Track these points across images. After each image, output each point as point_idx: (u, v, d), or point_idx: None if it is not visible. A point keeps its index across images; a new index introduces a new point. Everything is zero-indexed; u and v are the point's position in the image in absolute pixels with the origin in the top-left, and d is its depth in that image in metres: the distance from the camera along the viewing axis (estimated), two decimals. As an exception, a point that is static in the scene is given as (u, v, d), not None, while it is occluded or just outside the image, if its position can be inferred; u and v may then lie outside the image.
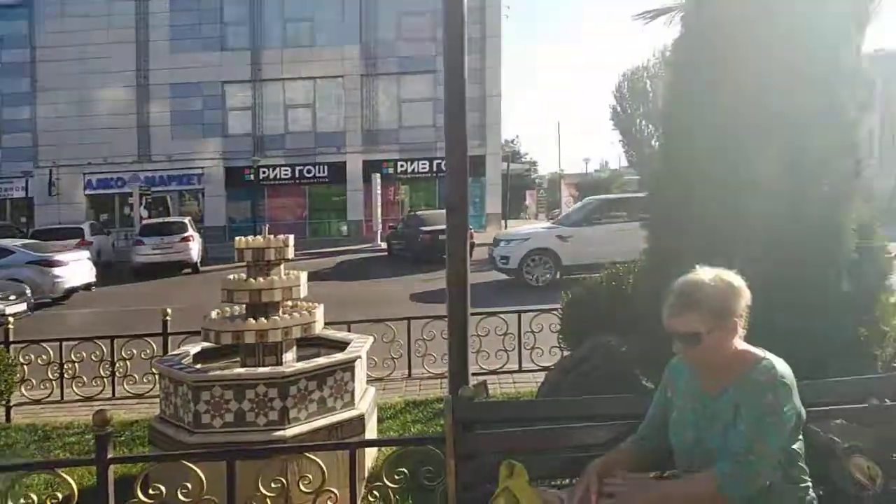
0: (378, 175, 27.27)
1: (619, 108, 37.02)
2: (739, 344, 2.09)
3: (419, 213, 21.79)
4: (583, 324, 5.22)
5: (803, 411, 2.06)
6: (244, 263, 4.37)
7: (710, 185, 3.66)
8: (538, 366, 5.79)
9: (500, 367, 5.89)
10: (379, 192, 26.76)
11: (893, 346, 3.60)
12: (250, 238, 4.39)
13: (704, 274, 2.10)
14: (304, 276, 4.41)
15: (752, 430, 1.97)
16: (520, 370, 5.84)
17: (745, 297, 2.08)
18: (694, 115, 3.88)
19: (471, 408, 2.73)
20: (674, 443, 2.21)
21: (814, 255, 3.29)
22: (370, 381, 5.46)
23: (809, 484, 2.10)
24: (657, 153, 4.31)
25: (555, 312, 5.77)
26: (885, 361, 3.41)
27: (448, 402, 2.67)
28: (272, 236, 4.40)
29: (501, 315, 5.93)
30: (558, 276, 13.58)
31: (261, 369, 4.13)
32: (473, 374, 5.57)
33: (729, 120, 3.64)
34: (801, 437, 2.08)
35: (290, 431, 3.94)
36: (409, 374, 6.38)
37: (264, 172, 29.36)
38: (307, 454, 3.04)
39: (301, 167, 30.12)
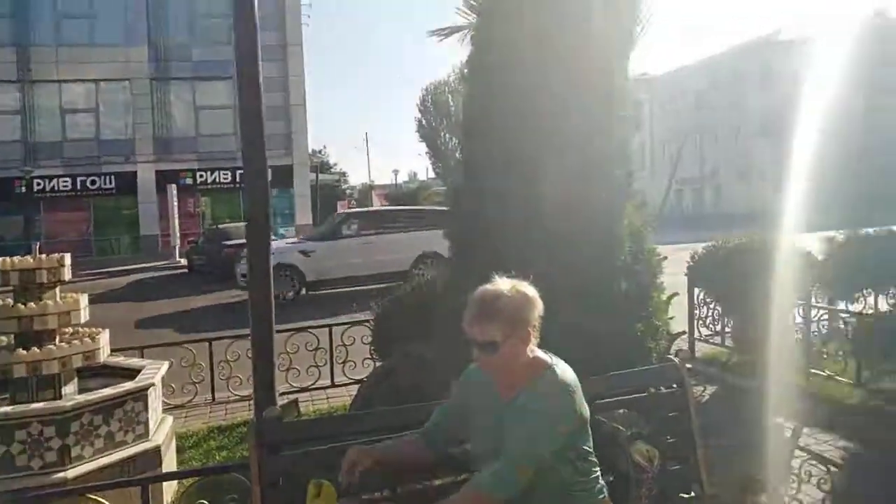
0: (174, 186, 25.34)
1: (424, 121, 38.28)
2: (532, 352, 2.17)
3: (221, 226, 20.72)
4: (394, 334, 5.27)
5: (587, 411, 2.17)
6: (10, 288, 3.86)
7: (502, 198, 3.87)
8: (352, 379, 5.73)
9: (313, 384, 5.75)
10: (176, 204, 24.91)
11: (666, 339, 4.03)
12: (17, 258, 3.87)
13: (502, 285, 2.15)
14: (84, 298, 3.97)
15: (526, 434, 2.05)
16: (333, 385, 5.74)
17: (539, 307, 2.16)
18: (486, 131, 4.08)
19: (277, 429, 2.62)
20: (473, 450, 2.25)
21: (594, 259, 3.59)
22: (168, 409, 5.06)
23: (598, 474, 2.24)
24: (458, 166, 4.48)
25: (366, 324, 5.76)
26: (660, 353, 3.79)
27: (252, 426, 2.55)
28: (44, 255, 3.92)
29: (311, 330, 5.79)
30: (303, 291, 13.42)
31: (34, 405, 3.66)
32: (283, 394, 5.39)
33: (517, 135, 3.87)
34: (588, 433, 2.20)
35: (72, 472, 3.55)
36: (214, 399, 6.01)
37: (39, 184, 26.31)
38: (91, 496, 2.73)
39: (83, 178, 27.40)
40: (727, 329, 6.58)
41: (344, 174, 61.24)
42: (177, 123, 28.58)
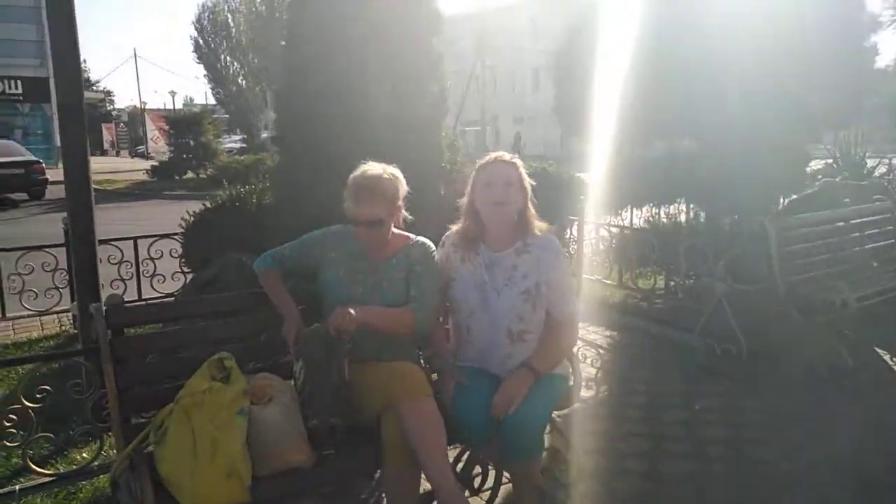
0: None
1: (201, 42, 35.53)
2: (395, 226, 2.57)
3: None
4: (207, 245, 5.23)
5: None
6: None
7: (331, 102, 4.08)
8: (161, 293, 5.57)
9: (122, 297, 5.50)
10: None
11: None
12: None
13: (377, 168, 2.48)
14: None
15: (431, 282, 2.51)
16: (140, 299, 5.53)
17: (405, 185, 2.54)
18: (312, 41, 4.20)
19: (121, 312, 2.66)
20: (339, 295, 2.52)
21: (418, 162, 3.95)
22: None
23: None
24: (285, 91, 4.50)
25: (175, 237, 5.60)
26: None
27: (98, 308, 2.56)
28: None
29: (115, 242, 5.48)
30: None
31: None
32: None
33: (343, 49, 4.09)
34: None
35: None
36: (4, 315, 5.53)
37: None
38: None
39: None
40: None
41: (109, 93, 55.29)
42: None
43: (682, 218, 7.19)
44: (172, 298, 5.23)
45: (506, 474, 2.84)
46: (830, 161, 8.78)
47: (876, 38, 6.35)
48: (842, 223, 5.43)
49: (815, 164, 8.46)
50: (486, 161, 2.59)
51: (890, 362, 4.65)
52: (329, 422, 2.23)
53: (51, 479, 2.77)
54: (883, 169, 8.98)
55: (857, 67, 5.39)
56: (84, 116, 3.51)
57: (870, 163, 8.90)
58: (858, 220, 5.51)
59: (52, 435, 2.81)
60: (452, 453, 2.91)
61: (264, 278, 2.60)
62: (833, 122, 6.14)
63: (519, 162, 2.59)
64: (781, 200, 6.68)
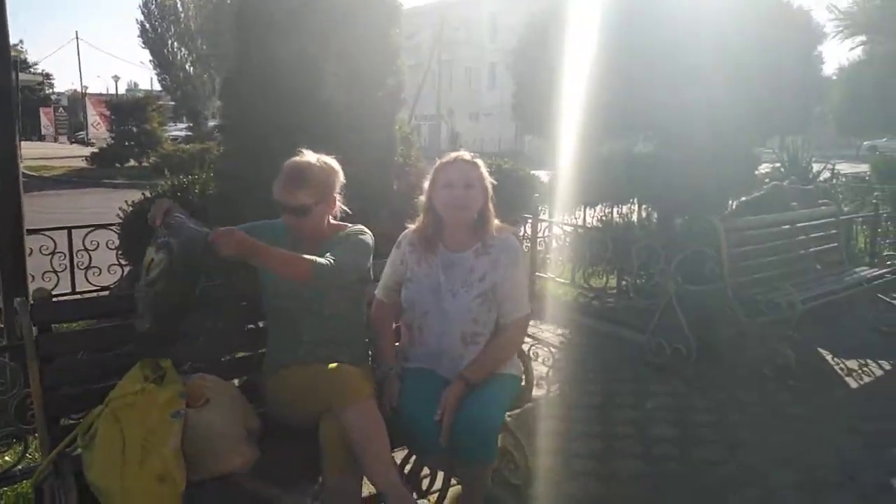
0: None
1: (147, 26, 34.58)
2: (335, 218, 2.46)
3: None
4: (146, 237, 4.99)
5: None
6: None
7: (281, 109, 3.93)
8: (96, 286, 5.29)
9: (50, 291, 5.21)
10: None
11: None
12: None
13: (310, 156, 2.37)
14: None
15: (347, 250, 2.31)
16: (74, 292, 5.24)
17: (342, 176, 2.43)
18: (269, 26, 4.04)
19: (49, 307, 2.48)
20: (275, 287, 2.41)
21: (373, 157, 3.84)
22: None
23: None
24: (234, 79, 4.29)
25: (112, 228, 5.34)
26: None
27: (23, 303, 2.37)
28: None
29: (47, 232, 5.18)
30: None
31: None
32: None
33: (300, 38, 3.94)
34: None
35: None
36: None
37: None
38: None
39: None
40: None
41: (48, 76, 53.12)
42: None
43: (635, 217, 7.23)
44: (108, 292, 4.98)
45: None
46: (777, 165, 8.99)
47: (821, 48, 6.55)
48: (788, 226, 5.53)
49: (763, 168, 8.66)
50: (446, 160, 2.49)
51: (832, 362, 4.74)
52: (166, 327, 2.21)
53: (-33, 484, 2.56)
54: (827, 174, 9.26)
55: (806, 75, 5.50)
56: (12, 99, 3.30)
57: (815, 167, 9.16)
58: (804, 224, 5.62)
59: (-32, 438, 2.60)
60: (399, 455, 2.83)
61: None
62: (786, 127, 6.26)
63: (480, 161, 2.51)
64: (730, 203, 6.79)
